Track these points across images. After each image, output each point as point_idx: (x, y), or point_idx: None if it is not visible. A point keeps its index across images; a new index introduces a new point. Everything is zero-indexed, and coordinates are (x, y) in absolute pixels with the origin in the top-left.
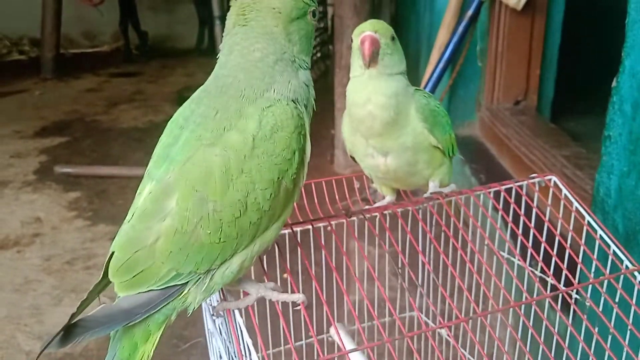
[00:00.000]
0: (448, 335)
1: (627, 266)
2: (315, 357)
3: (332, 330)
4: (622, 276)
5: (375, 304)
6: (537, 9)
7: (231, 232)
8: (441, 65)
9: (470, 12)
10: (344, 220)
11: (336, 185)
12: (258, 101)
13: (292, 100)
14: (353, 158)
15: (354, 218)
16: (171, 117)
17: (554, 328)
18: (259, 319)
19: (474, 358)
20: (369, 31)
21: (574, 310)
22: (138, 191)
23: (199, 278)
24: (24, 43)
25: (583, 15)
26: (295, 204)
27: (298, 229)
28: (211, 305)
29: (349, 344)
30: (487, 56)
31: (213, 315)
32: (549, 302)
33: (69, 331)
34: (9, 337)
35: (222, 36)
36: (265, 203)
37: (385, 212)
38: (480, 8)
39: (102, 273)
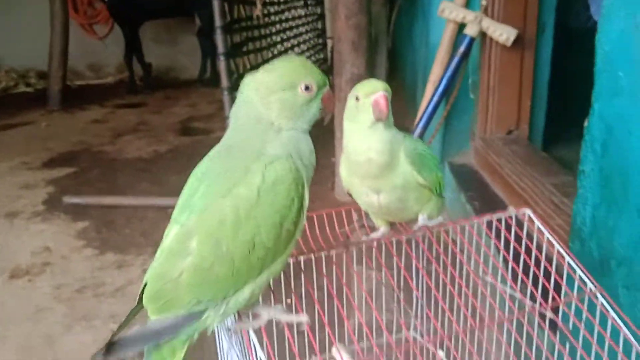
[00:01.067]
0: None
1: (590, 289)
2: None
3: (334, 349)
4: (587, 297)
5: (373, 325)
6: (526, 45)
7: (242, 267)
8: (436, 98)
9: (462, 49)
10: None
11: (336, 214)
12: (260, 158)
13: (291, 155)
14: (350, 194)
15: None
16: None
17: (532, 346)
18: (268, 340)
19: None
20: (382, 91)
21: (549, 330)
22: (165, 233)
23: (217, 304)
24: (30, 76)
25: (573, 47)
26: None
27: (302, 257)
28: (226, 326)
29: None
30: (479, 89)
31: (230, 333)
32: (523, 321)
33: (109, 347)
34: None
35: (226, 74)
36: (270, 242)
37: (380, 242)
38: (472, 44)
39: (137, 299)
